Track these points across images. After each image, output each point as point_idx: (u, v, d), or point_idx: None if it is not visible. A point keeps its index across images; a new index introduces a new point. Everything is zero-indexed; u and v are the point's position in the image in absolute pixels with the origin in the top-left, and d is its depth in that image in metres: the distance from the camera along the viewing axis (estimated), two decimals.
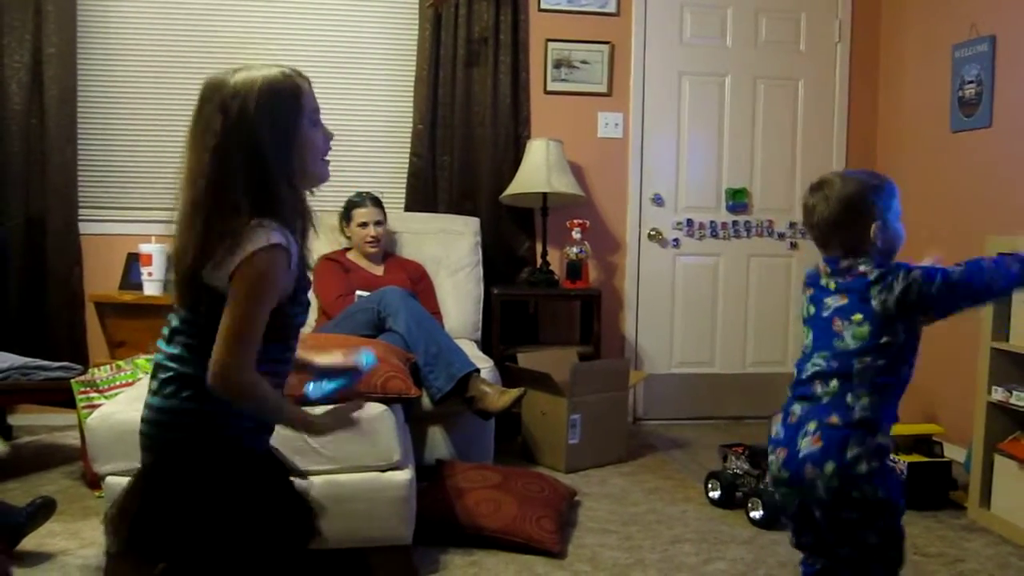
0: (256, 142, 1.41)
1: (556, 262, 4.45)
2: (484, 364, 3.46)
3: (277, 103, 1.43)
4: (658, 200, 4.68)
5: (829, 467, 1.82)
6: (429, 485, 2.99)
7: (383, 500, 2.50)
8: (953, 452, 3.62)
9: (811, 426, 1.86)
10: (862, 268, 1.87)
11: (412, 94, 4.38)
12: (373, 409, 2.54)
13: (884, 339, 1.83)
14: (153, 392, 1.52)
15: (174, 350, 1.50)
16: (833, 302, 1.90)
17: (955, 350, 3.70)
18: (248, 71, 1.45)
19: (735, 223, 4.75)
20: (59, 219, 4.14)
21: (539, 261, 4.40)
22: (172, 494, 1.47)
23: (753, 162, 4.77)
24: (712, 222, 4.73)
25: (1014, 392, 3.01)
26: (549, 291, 4.32)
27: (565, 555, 2.79)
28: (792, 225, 4.79)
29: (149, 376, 1.56)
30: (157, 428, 1.50)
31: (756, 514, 3.08)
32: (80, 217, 4.21)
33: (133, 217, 4.26)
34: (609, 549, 2.85)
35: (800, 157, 4.78)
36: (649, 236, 4.68)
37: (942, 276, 1.79)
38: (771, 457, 1.96)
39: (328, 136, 1.54)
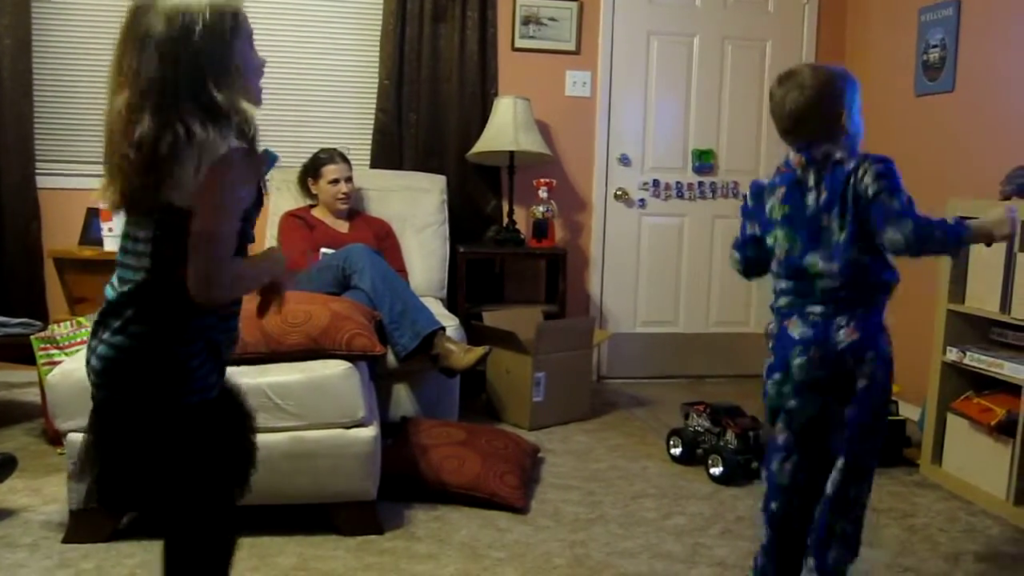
0: (199, 50, 1.47)
1: (522, 221, 4.45)
2: (450, 322, 3.47)
3: (220, 19, 1.49)
4: (625, 160, 4.68)
5: (870, 354, 1.91)
6: (394, 442, 3.01)
7: (348, 456, 2.51)
8: (908, 411, 3.71)
9: (842, 320, 1.92)
10: (839, 155, 1.91)
11: (378, 49, 4.31)
12: (338, 366, 2.54)
13: (863, 225, 1.88)
14: (112, 330, 1.49)
15: (125, 286, 1.49)
16: (813, 199, 1.94)
17: (912, 311, 3.76)
18: None
19: (701, 184, 4.77)
20: (16, 173, 4.05)
21: (505, 220, 4.39)
22: (120, 435, 1.50)
23: (720, 123, 4.78)
24: (678, 183, 4.75)
25: (968, 353, 3.08)
26: (515, 250, 4.33)
27: (528, 510, 2.83)
28: None
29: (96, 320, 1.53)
30: (108, 363, 1.49)
31: (716, 470, 3.14)
32: (38, 171, 4.12)
33: (93, 171, 4.16)
34: (571, 504, 2.90)
35: (766, 119, 4.73)
36: (615, 196, 4.69)
37: (908, 200, 1.84)
38: (799, 360, 1.96)
39: (261, 62, 1.60)
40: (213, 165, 1.42)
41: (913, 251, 1.83)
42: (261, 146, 1.56)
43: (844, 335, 1.92)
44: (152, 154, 1.43)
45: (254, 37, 1.58)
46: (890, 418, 3.36)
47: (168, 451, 1.49)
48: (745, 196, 2.12)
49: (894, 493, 3.09)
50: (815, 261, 1.93)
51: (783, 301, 2.02)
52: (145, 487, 1.52)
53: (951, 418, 3.17)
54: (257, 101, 1.57)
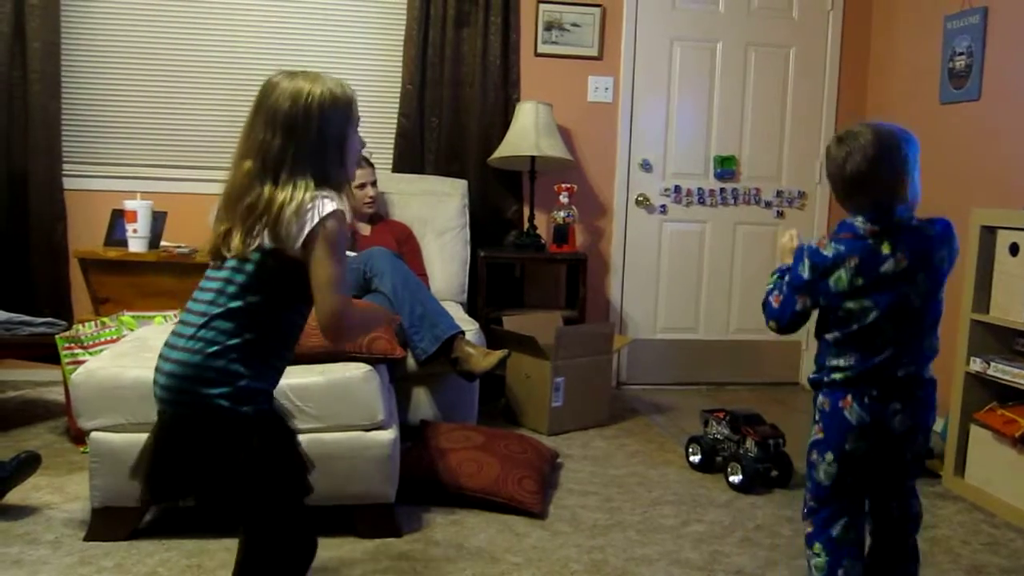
0: (322, 133, 1.68)
1: (543, 226, 4.45)
2: (469, 326, 3.47)
3: (338, 107, 1.70)
4: (646, 166, 4.68)
5: (921, 438, 1.96)
6: (413, 445, 3.02)
7: (367, 459, 2.52)
8: None
9: (897, 405, 1.89)
10: (915, 222, 1.87)
11: (401, 54, 4.34)
12: (358, 369, 2.55)
13: (941, 294, 1.88)
14: (191, 350, 1.63)
15: (231, 305, 1.63)
16: (892, 266, 1.85)
17: None
18: (317, 77, 1.71)
19: (722, 190, 4.76)
20: (43, 174, 4.10)
21: (526, 224, 4.40)
22: (197, 450, 1.63)
23: (742, 130, 4.76)
24: (699, 189, 4.73)
25: (992, 363, 3.05)
26: (535, 255, 4.33)
27: (546, 515, 2.83)
28: (779, 194, 4.80)
29: (179, 323, 1.68)
30: (192, 383, 1.62)
31: (735, 478, 3.13)
32: (64, 172, 4.16)
33: (118, 173, 4.23)
34: (589, 510, 2.89)
35: (789, 126, 4.78)
36: (637, 202, 4.68)
37: None
38: (853, 444, 1.90)
39: (361, 144, 1.81)
40: (328, 220, 1.61)
41: None
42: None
43: (899, 421, 1.89)
44: (274, 210, 1.61)
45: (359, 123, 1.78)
46: None
47: (247, 460, 1.63)
48: (799, 267, 1.96)
49: None
50: (888, 328, 1.86)
51: (837, 377, 1.92)
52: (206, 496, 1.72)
53: (974, 429, 3.14)
54: (351, 177, 1.78)
